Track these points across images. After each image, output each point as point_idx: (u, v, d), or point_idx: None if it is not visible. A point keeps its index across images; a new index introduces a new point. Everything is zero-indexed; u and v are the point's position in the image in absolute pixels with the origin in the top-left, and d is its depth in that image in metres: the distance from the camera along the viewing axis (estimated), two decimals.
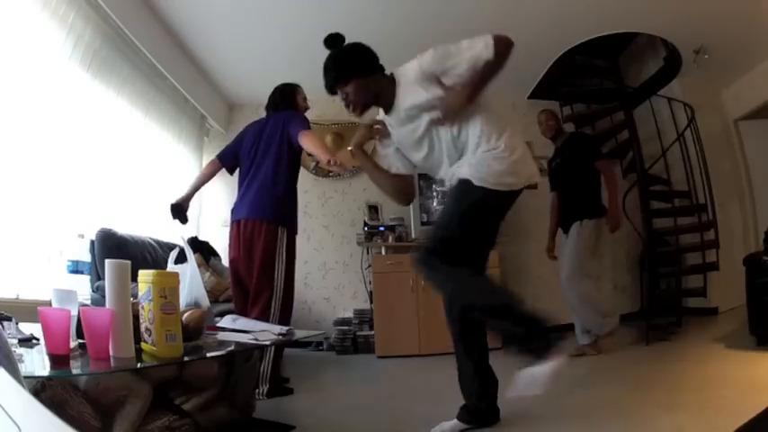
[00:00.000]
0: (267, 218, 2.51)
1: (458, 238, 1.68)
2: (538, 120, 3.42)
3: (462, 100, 1.64)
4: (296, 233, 2.64)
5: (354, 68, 1.77)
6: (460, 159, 1.77)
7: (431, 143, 1.78)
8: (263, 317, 2.39)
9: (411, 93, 1.72)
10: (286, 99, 2.74)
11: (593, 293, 3.14)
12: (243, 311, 2.45)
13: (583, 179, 3.17)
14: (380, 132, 1.88)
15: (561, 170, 3.31)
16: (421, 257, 1.73)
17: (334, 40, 1.81)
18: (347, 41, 1.83)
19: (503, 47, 1.61)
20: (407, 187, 1.97)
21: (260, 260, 2.47)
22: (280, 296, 2.50)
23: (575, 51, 3.91)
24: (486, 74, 1.63)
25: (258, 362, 2.38)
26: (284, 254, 2.52)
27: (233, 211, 2.63)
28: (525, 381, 1.49)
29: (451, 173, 1.79)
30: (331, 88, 1.81)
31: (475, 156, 1.71)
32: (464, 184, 1.70)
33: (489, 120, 1.74)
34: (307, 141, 2.48)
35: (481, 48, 1.59)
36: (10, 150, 2.13)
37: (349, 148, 1.95)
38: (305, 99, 2.79)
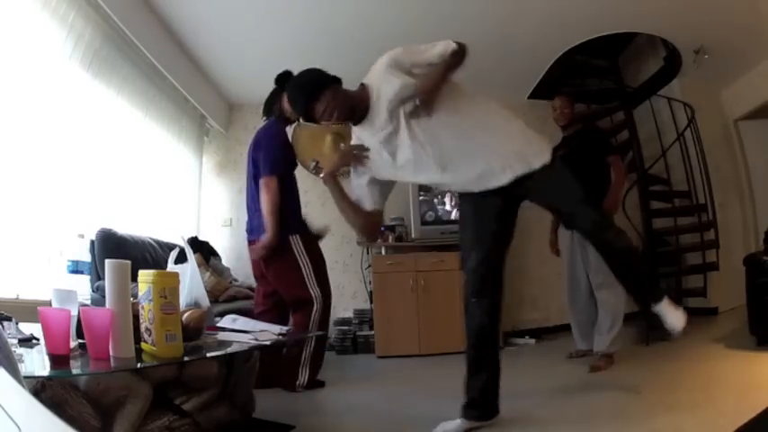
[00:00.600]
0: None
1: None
2: (552, 105, 3.24)
3: (437, 79, 1.66)
4: (308, 231, 2.69)
5: (320, 82, 1.71)
6: (479, 152, 1.73)
7: (413, 144, 1.70)
8: (306, 321, 2.56)
9: (385, 85, 1.68)
10: (271, 104, 2.72)
11: (623, 299, 2.94)
12: (263, 316, 2.50)
13: (594, 174, 3.00)
14: (358, 159, 1.79)
15: (567, 161, 3.16)
16: (607, 224, 1.90)
17: (284, 78, 1.81)
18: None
19: (462, 44, 1.71)
20: (372, 226, 1.93)
21: (286, 275, 2.58)
22: (319, 297, 2.59)
23: (575, 51, 3.91)
24: (453, 61, 1.69)
25: (299, 352, 2.57)
26: (306, 257, 2.59)
27: (247, 231, 2.74)
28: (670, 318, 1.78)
29: (500, 167, 1.72)
30: (305, 110, 1.73)
31: (502, 139, 1.76)
32: (549, 168, 1.77)
33: (475, 101, 1.80)
34: (263, 198, 2.52)
35: (445, 44, 1.69)
36: (10, 150, 2.13)
37: (321, 176, 1.88)
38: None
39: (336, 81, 1.75)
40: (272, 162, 2.55)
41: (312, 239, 2.70)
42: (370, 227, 1.92)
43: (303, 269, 2.58)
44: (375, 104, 1.71)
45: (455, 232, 3.88)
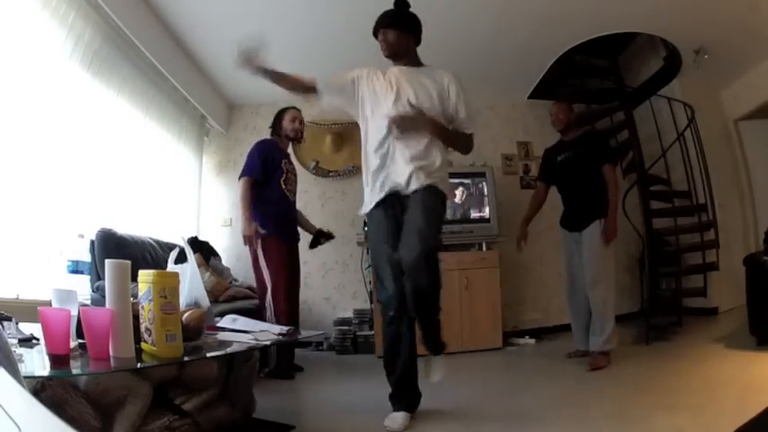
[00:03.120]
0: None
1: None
2: (549, 112, 3.32)
3: (444, 134, 2.11)
4: (272, 236, 2.87)
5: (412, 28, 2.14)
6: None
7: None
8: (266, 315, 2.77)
9: (439, 88, 2.07)
10: (274, 125, 3.15)
11: (612, 297, 2.94)
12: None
13: (598, 177, 3.01)
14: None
15: (571, 165, 3.14)
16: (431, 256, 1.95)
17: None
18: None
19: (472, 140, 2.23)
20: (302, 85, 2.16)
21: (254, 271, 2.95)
22: (271, 302, 2.81)
23: (575, 51, 3.91)
24: (456, 138, 2.18)
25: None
26: (264, 262, 2.84)
27: None
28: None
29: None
30: (376, 27, 2.15)
31: None
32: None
33: None
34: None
35: (472, 124, 2.20)
36: (10, 150, 2.13)
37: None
38: (293, 119, 3.10)
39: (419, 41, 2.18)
40: (247, 162, 2.97)
41: (276, 246, 2.88)
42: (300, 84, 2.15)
43: (264, 271, 2.83)
44: (420, 74, 2.09)
45: (454, 232, 3.90)
